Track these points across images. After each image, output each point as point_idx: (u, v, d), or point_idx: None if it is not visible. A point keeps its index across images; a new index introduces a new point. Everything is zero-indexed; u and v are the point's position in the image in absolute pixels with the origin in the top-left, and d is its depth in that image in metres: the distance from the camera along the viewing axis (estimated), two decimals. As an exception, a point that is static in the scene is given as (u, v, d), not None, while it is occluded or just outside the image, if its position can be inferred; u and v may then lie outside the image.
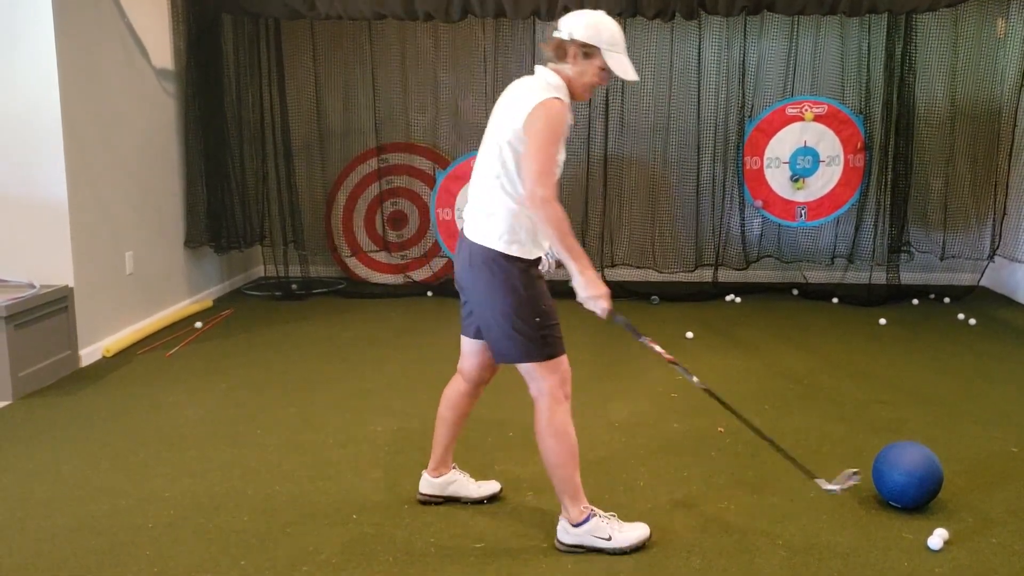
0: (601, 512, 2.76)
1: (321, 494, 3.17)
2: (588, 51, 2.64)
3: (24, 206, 4.63)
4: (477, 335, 2.86)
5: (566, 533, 2.74)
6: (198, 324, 5.55)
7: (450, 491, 3.05)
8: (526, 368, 2.70)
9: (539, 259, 2.72)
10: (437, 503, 3.05)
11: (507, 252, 2.63)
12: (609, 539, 2.71)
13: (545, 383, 2.69)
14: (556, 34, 2.68)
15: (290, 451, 3.58)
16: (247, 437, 3.73)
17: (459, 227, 2.78)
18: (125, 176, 5.26)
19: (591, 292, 2.63)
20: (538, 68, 2.72)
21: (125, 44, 5.28)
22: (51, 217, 4.63)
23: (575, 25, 2.64)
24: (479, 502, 3.07)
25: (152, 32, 5.59)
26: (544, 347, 2.65)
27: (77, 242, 4.72)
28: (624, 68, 2.68)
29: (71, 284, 4.67)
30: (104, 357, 4.91)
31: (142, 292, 5.45)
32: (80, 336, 4.73)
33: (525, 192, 2.56)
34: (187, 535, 2.86)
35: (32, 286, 4.47)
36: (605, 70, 2.68)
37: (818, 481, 2.90)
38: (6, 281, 4.57)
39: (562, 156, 2.64)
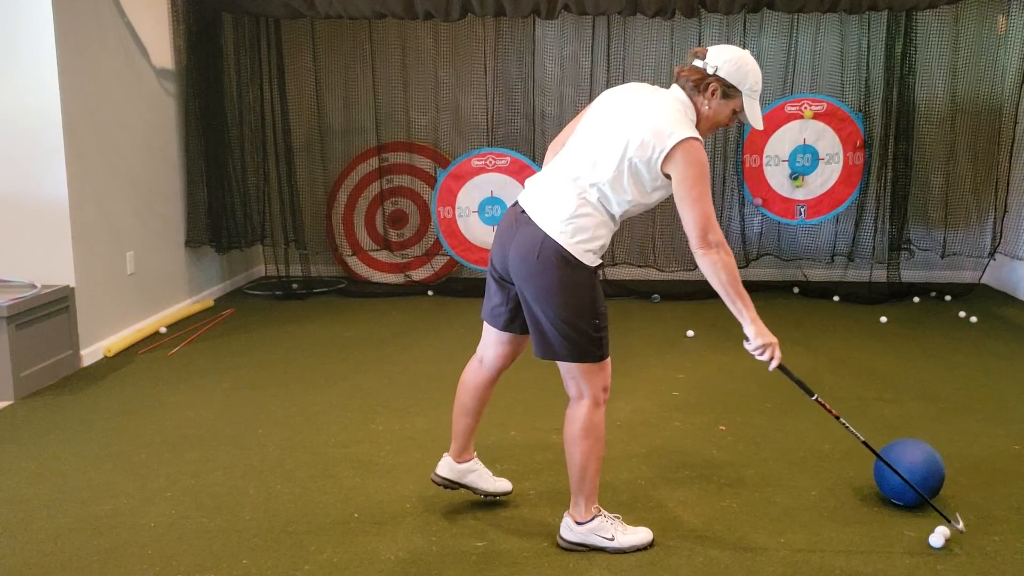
0: (607, 513, 2.76)
1: (322, 493, 3.17)
2: (729, 92, 2.58)
3: (25, 206, 4.62)
4: (507, 326, 2.81)
5: (570, 531, 2.74)
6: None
7: (467, 480, 3.00)
8: (573, 368, 2.64)
9: (601, 266, 2.67)
10: (450, 489, 3.00)
11: (580, 257, 2.56)
12: (612, 539, 2.70)
13: (590, 386, 2.65)
14: (698, 63, 2.59)
15: (291, 450, 3.58)
16: (248, 437, 3.73)
17: (522, 211, 2.67)
18: (126, 176, 5.26)
19: (764, 341, 2.64)
20: (675, 89, 2.63)
21: (125, 44, 5.28)
22: (52, 217, 4.63)
23: (723, 61, 2.56)
24: (491, 496, 3.06)
25: (152, 32, 5.59)
26: (598, 349, 2.62)
27: (78, 242, 4.72)
28: (756, 117, 2.63)
29: (72, 284, 4.66)
30: (105, 357, 4.91)
31: (143, 292, 5.45)
32: (81, 336, 4.74)
33: (694, 239, 2.50)
34: (189, 534, 2.86)
35: (33, 286, 4.47)
36: (738, 114, 2.63)
37: (952, 524, 2.83)
38: (7, 281, 4.57)
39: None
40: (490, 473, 3.07)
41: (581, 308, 2.58)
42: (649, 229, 6.76)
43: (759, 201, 6.42)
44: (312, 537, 2.84)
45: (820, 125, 6.30)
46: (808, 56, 6.56)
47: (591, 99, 6.46)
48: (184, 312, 5.81)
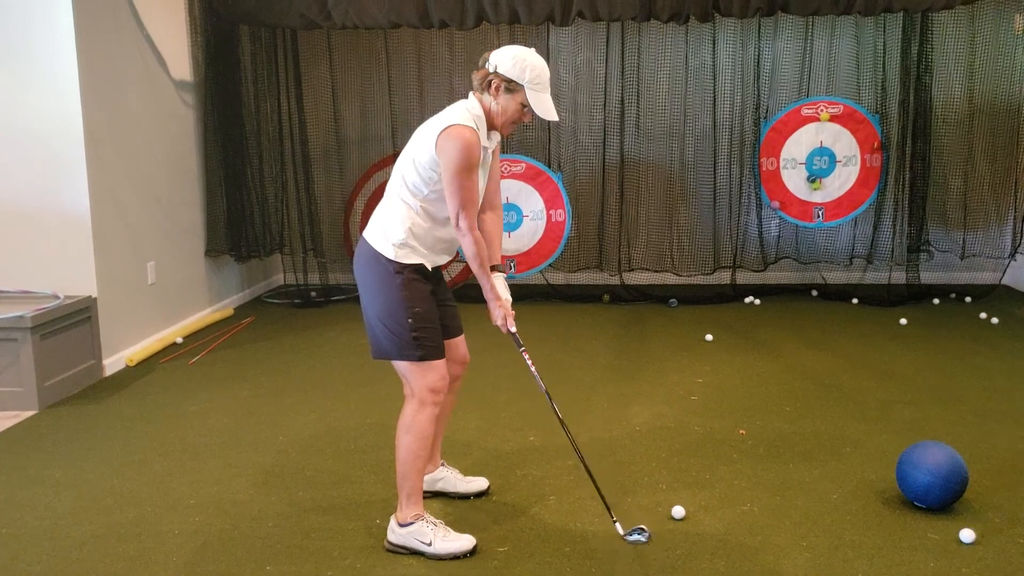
0: (429, 517, 2.80)
1: (344, 499, 3.19)
2: (511, 87, 2.74)
3: (47, 218, 4.68)
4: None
5: (393, 532, 2.81)
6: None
7: (438, 487, 3.16)
8: (400, 366, 2.80)
9: (421, 266, 2.79)
10: (425, 497, 3.04)
11: (385, 253, 2.75)
12: (430, 544, 2.75)
13: (416, 384, 2.79)
14: (484, 65, 2.77)
15: (312, 457, 3.60)
16: (269, 444, 3.76)
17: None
18: (146, 187, 5.32)
19: (499, 307, 2.93)
20: (470, 98, 2.81)
21: (144, 56, 5.33)
22: (74, 229, 4.68)
23: (501, 60, 2.74)
24: (466, 497, 3.16)
25: (171, 44, 5.65)
26: (416, 348, 2.75)
27: (100, 253, 4.77)
28: (545, 108, 2.78)
29: (94, 294, 4.72)
30: (127, 366, 4.96)
31: (164, 301, 5.50)
32: (104, 345, 4.78)
33: (451, 220, 2.73)
34: (212, 542, 2.89)
35: (56, 297, 4.52)
36: (527, 107, 2.78)
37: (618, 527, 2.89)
38: (31, 292, 4.62)
39: (482, 183, 2.83)
40: (460, 476, 3.20)
41: (393, 306, 2.74)
42: (666, 233, 6.76)
43: (776, 204, 6.41)
44: (334, 543, 2.86)
45: (837, 127, 6.29)
46: (824, 58, 6.55)
47: (606, 106, 6.53)
48: (204, 321, 5.86)
